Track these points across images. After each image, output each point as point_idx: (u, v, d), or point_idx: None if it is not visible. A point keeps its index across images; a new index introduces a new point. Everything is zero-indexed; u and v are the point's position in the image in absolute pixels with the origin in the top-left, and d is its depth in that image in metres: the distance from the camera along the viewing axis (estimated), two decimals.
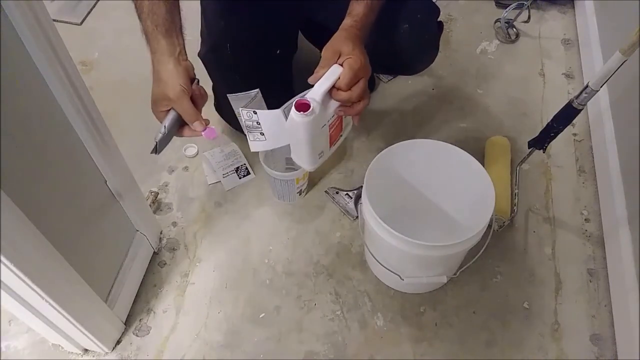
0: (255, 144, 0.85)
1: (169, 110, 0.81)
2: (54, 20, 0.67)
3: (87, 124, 0.76)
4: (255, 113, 0.82)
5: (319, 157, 0.88)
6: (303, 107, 0.76)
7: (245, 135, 0.85)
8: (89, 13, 1.63)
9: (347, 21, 0.84)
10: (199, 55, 1.16)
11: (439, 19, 1.12)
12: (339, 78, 0.77)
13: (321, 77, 0.78)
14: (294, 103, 0.77)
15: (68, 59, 0.70)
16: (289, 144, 0.86)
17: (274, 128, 0.83)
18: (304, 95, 0.79)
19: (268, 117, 0.82)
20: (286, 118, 0.80)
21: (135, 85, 1.40)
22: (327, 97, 0.79)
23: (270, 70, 1.09)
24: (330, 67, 0.78)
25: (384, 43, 1.06)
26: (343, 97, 0.79)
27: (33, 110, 0.68)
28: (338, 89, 0.78)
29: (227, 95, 0.87)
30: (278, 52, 1.11)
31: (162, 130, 0.80)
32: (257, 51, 1.08)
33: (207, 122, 0.82)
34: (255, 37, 1.08)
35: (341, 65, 0.78)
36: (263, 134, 0.83)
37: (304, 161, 0.88)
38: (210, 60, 1.14)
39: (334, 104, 0.81)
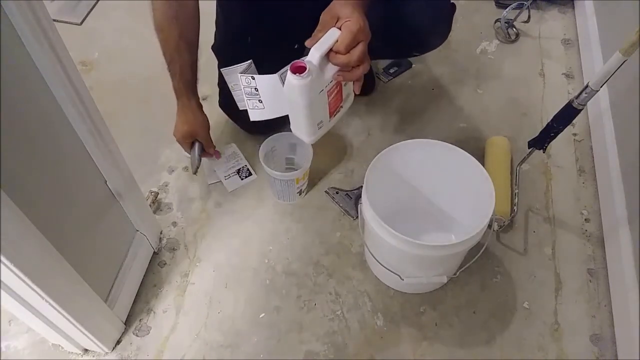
0: (254, 113, 0.84)
1: (193, 141, 1.13)
2: (54, 20, 0.67)
3: (87, 124, 0.76)
4: (254, 78, 0.81)
5: (318, 128, 0.85)
6: (299, 69, 0.74)
7: (234, 107, 0.88)
8: (89, 13, 1.63)
9: None
10: (213, 47, 1.16)
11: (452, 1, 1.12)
12: (337, 41, 0.75)
13: (319, 40, 0.76)
14: (290, 67, 0.75)
15: (68, 59, 0.70)
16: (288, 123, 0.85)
17: (272, 95, 0.82)
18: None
19: (265, 82, 0.81)
20: (282, 81, 0.78)
21: (135, 85, 1.41)
22: (325, 61, 0.77)
23: (279, 66, 1.10)
24: (328, 30, 0.76)
25: (399, 15, 1.06)
26: (341, 61, 0.76)
27: (33, 110, 0.68)
28: (336, 52, 0.76)
29: (221, 69, 0.97)
30: (296, 46, 1.10)
31: (197, 157, 1.13)
32: (277, 45, 1.08)
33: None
34: (275, 31, 1.08)
35: (339, 28, 0.76)
36: (261, 102, 0.82)
37: (303, 131, 0.85)
38: (227, 52, 1.14)
39: (332, 68, 0.78)
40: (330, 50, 0.76)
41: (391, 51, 1.36)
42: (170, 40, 1.01)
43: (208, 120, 1.13)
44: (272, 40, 1.08)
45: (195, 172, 1.14)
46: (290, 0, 1.04)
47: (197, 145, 1.13)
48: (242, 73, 0.84)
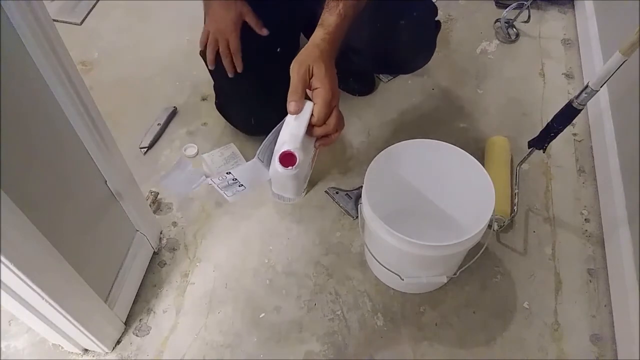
0: (235, 196, 0.82)
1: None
2: (54, 20, 0.67)
3: (87, 124, 0.76)
4: (229, 173, 0.78)
5: (304, 184, 0.87)
6: (289, 161, 0.74)
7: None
8: (89, 13, 1.63)
9: (318, 34, 0.81)
10: (201, 53, 1.17)
11: (437, 19, 1.12)
12: (313, 115, 0.75)
13: (299, 110, 0.75)
14: (277, 158, 0.74)
15: (68, 59, 0.70)
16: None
17: (252, 176, 0.80)
18: (280, 129, 0.76)
19: (244, 171, 0.79)
20: (262, 162, 0.77)
21: (135, 85, 1.41)
22: (305, 137, 0.76)
23: (273, 68, 1.10)
24: (303, 97, 0.76)
25: (381, 40, 1.06)
26: (321, 132, 0.77)
27: (33, 110, 0.68)
28: (314, 125, 0.77)
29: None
30: (278, 50, 1.11)
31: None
32: (261, 49, 1.08)
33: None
34: (259, 35, 1.08)
35: (311, 98, 0.76)
36: (242, 185, 0.80)
37: (290, 194, 0.86)
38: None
39: (312, 139, 0.79)
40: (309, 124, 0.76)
41: (378, 71, 1.37)
42: None
43: (241, 18, 1.05)
44: (256, 44, 1.08)
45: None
46: (275, 3, 1.04)
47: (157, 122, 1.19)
48: (215, 177, 0.80)
